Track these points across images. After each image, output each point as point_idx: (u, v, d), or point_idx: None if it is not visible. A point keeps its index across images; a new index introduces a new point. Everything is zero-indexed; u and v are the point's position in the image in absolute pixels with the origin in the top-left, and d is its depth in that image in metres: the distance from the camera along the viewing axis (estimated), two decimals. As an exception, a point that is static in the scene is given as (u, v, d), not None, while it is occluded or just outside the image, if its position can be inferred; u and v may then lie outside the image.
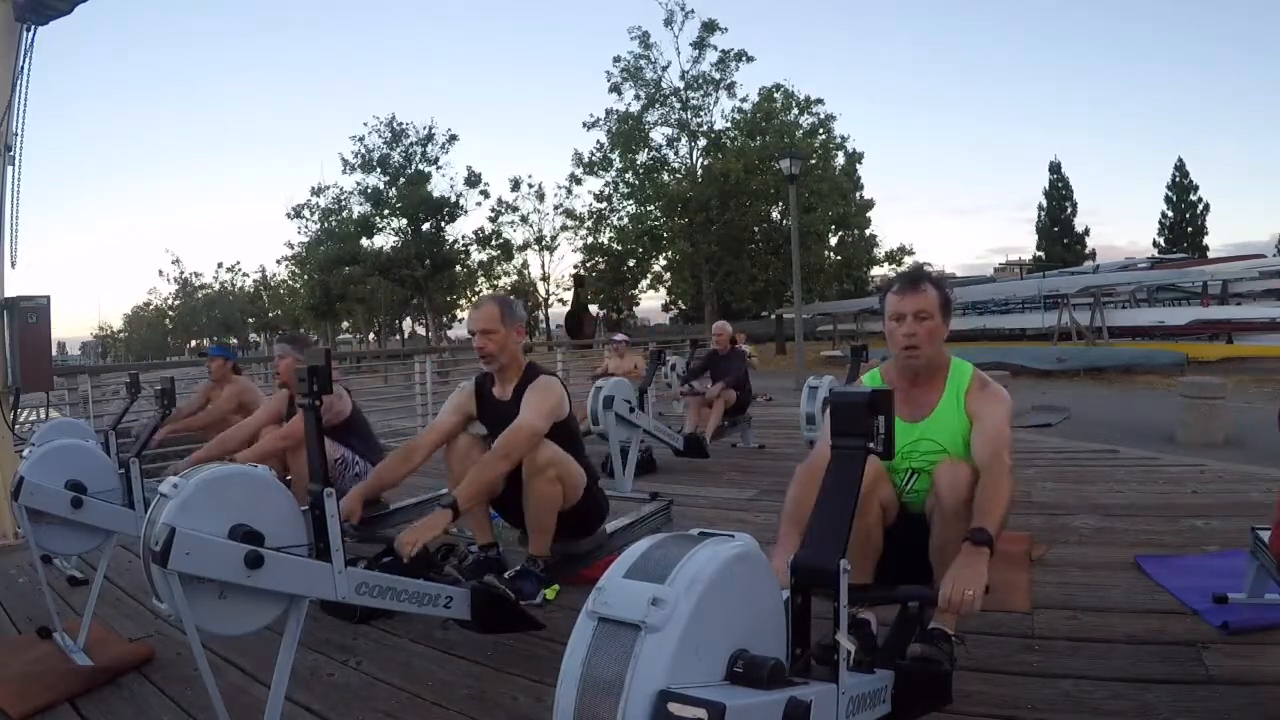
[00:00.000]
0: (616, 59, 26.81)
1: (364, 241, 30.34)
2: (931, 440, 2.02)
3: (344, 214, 30.62)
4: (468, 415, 2.75)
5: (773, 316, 29.99)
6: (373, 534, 2.93)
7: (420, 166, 29.89)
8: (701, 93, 26.70)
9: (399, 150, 29.87)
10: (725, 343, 6.58)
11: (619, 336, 8.20)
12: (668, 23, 26.11)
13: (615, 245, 29.17)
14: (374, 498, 2.98)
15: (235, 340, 53.05)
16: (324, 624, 2.65)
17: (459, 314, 33.71)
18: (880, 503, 2.03)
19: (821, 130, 27.51)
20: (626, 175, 27.97)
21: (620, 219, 28.72)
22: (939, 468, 1.96)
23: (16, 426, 4.56)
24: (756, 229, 27.11)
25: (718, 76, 26.50)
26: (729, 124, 27.15)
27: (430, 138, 29.99)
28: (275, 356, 3.78)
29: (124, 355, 60.00)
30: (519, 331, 2.67)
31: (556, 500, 2.53)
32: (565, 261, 41.93)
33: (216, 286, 53.51)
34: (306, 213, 31.54)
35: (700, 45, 26.05)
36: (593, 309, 33.59)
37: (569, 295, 33.78)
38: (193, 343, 58.08)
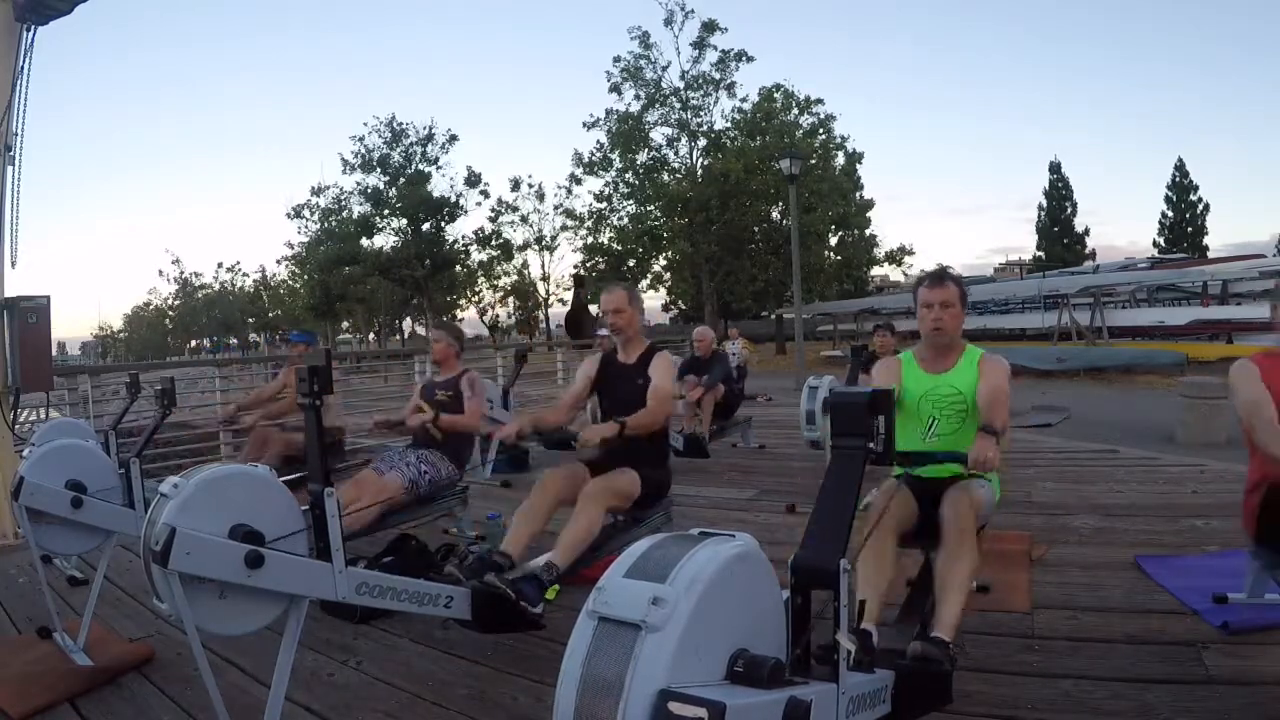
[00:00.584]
0: (616, 59, 26.80)
1: (364, 241, 30.33)
2: (950, 385, 2.51)
3: (344, 214, 30.61)
4: (590, 378, 3.18)
5: (773, 316, 29.98)
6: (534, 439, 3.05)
7: (420, 166, 29.88)
8: (701, 93, 26.66)
9: (399, 150, 29.86)
10: (706, 348, 6.53)
11: (603, 331, 7.99)
12: (668, 23, 26.10)
13: (615, 245, 29.14)
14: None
15: (235, 340, 53.10)
16: (324, 624, 2.66)
17: (459, 314, 33.74)
18: (898, 524, 2.30)
19: (821, 130, 27.47)
20: (626, 175, 27.94)
21: (620, 219, 28.69)
22: (946, 494, 2.29)
23: (16, 426, 4.56)
24: (756, 229, 27.07)
25: (718, 76, 26.47)
26: (729, 124, 27.12)
27: (430, 138, 30.00)
28: (431, 341, 4.19)
29: (124, 355, 60.01)
30: (641, 312, 3.29)
31: (598, 527, 2.66)
32: (565, 261, 42.02)
33: (216, 286, 53.48)
34: (306, 213, 31.56)
35: (700, 45, 26.02)
36: (593, 309, 33.56)
37: (569, 295, 33.80)
38: (193, 342, 58.11)
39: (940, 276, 2.54)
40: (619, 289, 3.20)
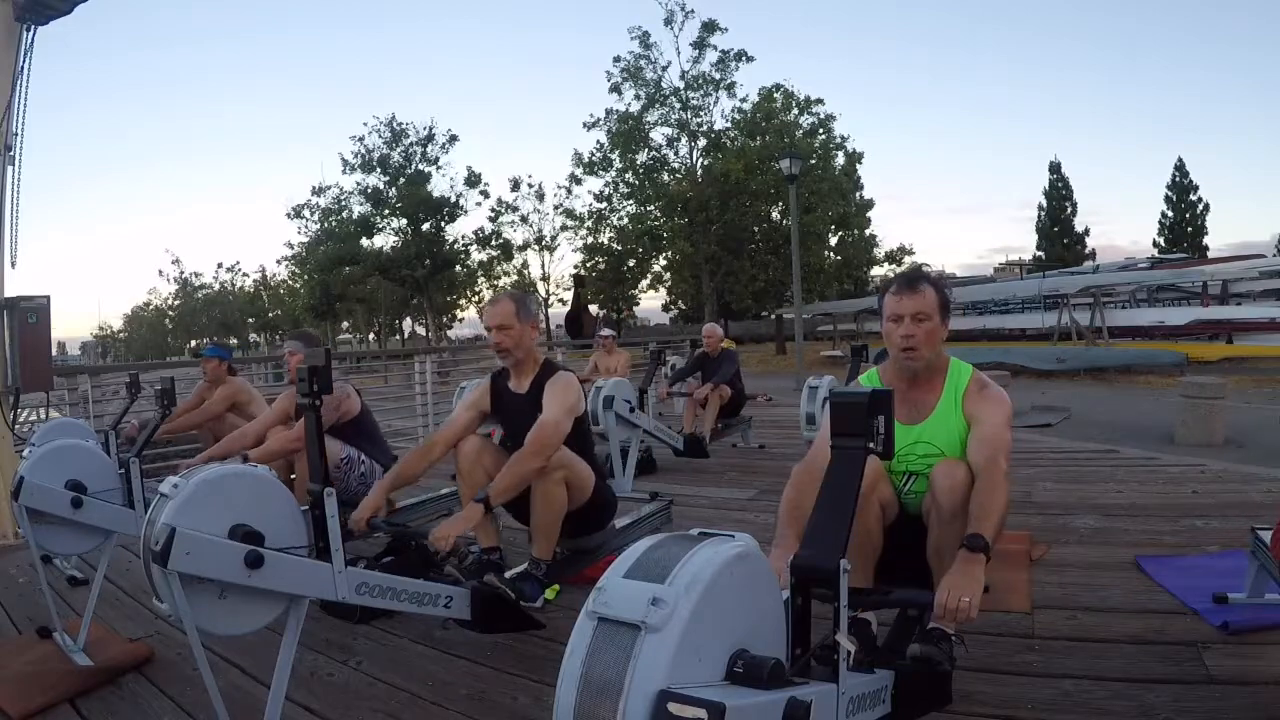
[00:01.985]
0: (617, 59, 26.83)
1: (364, 241, 30.34)
2: (928, 443, 2.00)
3: (344, 214, 30.62)
4: (482, 411, 2.79)
5: (773, 316, 30.00)
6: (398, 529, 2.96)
7: (420, 166, 29.90)
8: (701, 93, 26.68)
9: (399, 150, 29.88)
10: (715, 346, 6.56)
11: (606, 331, 8.01)
12: (668, 23, 26.13)
13: (615, 245, 29.17)
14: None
15: (235, 340, 53.05)
16: (324, 624, 2.65)
17: (459, 314, 33.74)
18: (880, 503, 2.02)
19: (821, 130, 27.47)
20: (626, 175, 27.95)
21: (620, 219, 28.72)
22: (936, 468, 1.95)
23: (16, 426, 4.56)
24: (756, 229, 27.07)
25: (718, 76, 26.49)
26: (729, 124, 27.14)
27: (430, 138, 30.02)
28: (286, 354, 3.79)
29: (124, 355, 59.95)
30: (534, 327, 2.73)
31: (563, 504, 2.55)
32: (565, 261, 42.04)
33: (216, 286, 53.50)
34: (306, 213, 31.56)
35: (700, 45, 26.04)
36: (593, 309, 33.59)
37: (569, 295, 33.81)
38: (192, 343, 58.08)
39: (912, 280, 2.00)
40: (504, 300, 2.69)
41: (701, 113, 27.02)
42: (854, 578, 1.62)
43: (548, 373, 2.69)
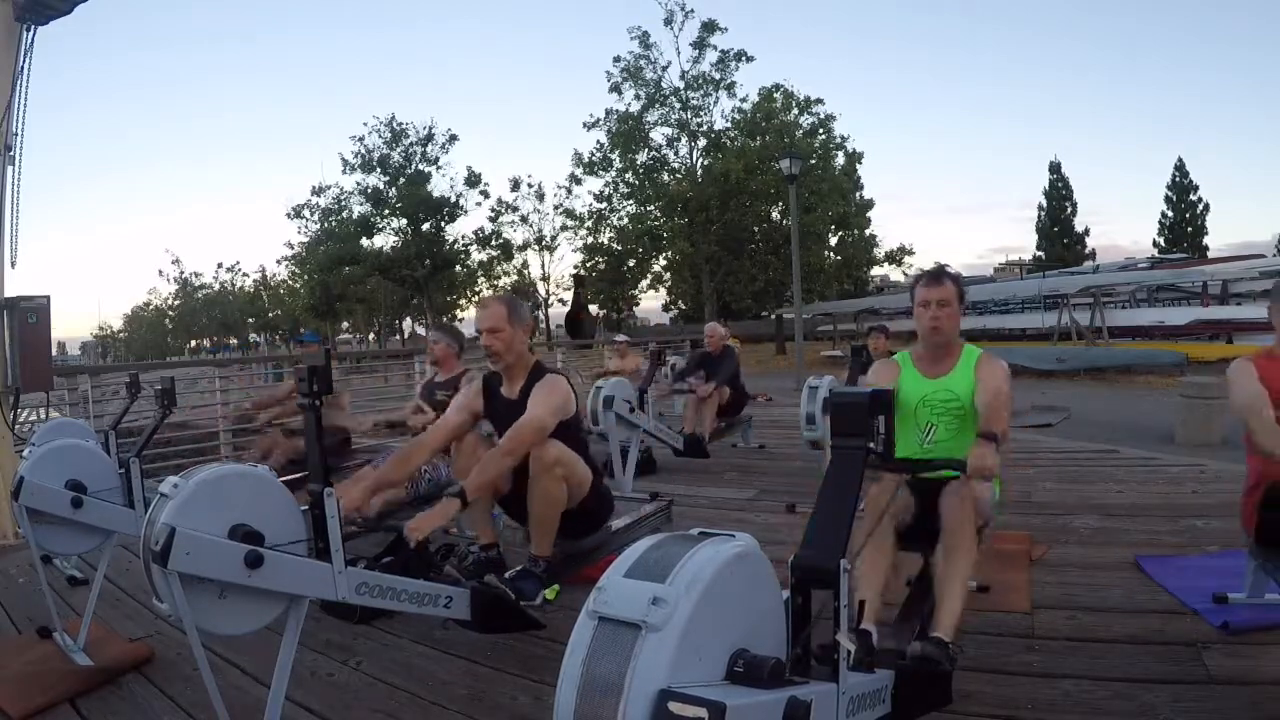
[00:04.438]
0: (616, 59, 26.81)
1: (364, 241, 30.33)
2: (949, 389, 2.46)
3: (344, 214, 30.62)
4: (475, 413, 2.75)
5: (773, 316, 29.98)
6: (378, 527, 2.93)
7: (420, 166, 29.89)
8: (701, 93, 26.66)
9: (399, 150, 29.86)
10: (717, 344, 6.58)
11: (620, 337, 8.32)
12: (668, 23, 26.11)
13: (615, 245, 29.15)
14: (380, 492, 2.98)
15: (235, 340, 53.06)
16: (324, 624, 2.65)
17: (459, 314, 33.70)
18: (897, 522, 2.28)
19: (821, 130, 27.44)
20: (626, 175, 27.93)
21: (620, 219, 28.70)
22: (944, 494, 2.24)
23: (16, 426, 4.56)
24: (756, 229, 27.07)
25: (718, 76, 26.47)
26: (729, 124, 27.13)
27: (430, 138, 30.02)
28: (429, 344, 4.08)
29: (124, 355, 59.92)
30: (525, 330, 2.70)
31: (561, 500, 2.53)
32: (565, 261, 41.96)
33: (216, 286, 53.47)
34: (306, 213, 31.55)
35: (700, 45, 26.02)
36: (593, 309, 33.59)
37: (569, 295, 33.80)
38: (192, 343, 58.06)
39: (938, 275, 2.50)
40: (495, 303, 2.67)
41: (701, 113, 27.02)
42: (874, 586, 2.07)
43: (537, 375, 2.67)
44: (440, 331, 4.15)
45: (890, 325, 8.12)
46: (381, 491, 2.97)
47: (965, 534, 2.14)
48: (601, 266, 30.18)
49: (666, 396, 6.87)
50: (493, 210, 31.29)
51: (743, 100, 26.82)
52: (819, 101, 27.47)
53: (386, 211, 30.00)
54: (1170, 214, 34.27)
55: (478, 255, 31.80)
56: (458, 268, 31.51)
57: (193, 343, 58.12)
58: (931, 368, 2.51)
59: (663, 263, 30.04)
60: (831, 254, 28.73)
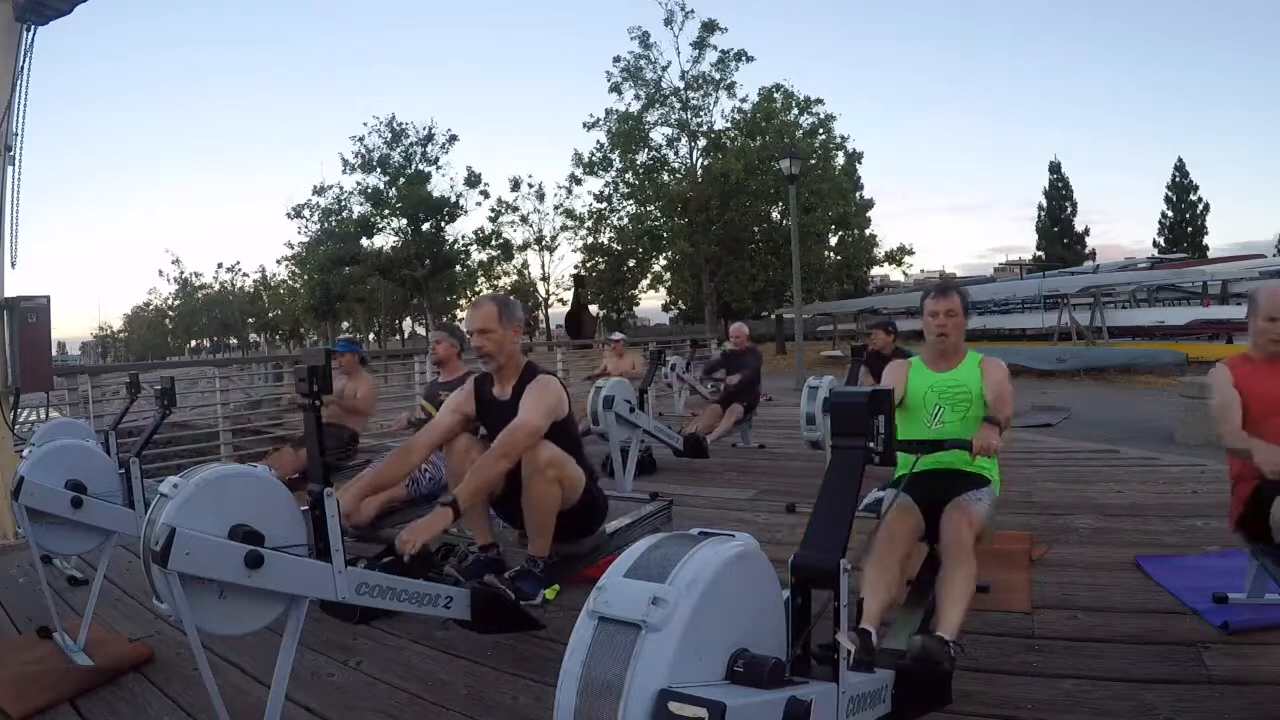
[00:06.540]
0: (616, 59, 26.77)
1: (364, 241, 30.30)
2: (955, 379, 2.71)
3: (344, 214, 30.57)
4: (466, 415, 2.73)
5: (773, 316, 29.97)
6: (370, 536, 2.92)
7: (420, 166, 29.84)
8: (701, 93, 26.63)
9: (399, 150, 29.83)
10: (743, 342, 6.97)
11: (617, 336, 8.33)
12: (668, 23, 26.06)
13: (615, 245, 29.13)
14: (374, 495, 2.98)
15: (235, 340, 53.05)
16: (324, 624, 2.65)
17: (459, 314, 33.67)
18: (912, 544, 2.38)
19: (821, 130, 27.41)
20: (626, 175, 27.89)
21: (620, 219, 28.67)
22: (945, 514, 2.37)
23: (16, 426, 4.56)
24: (756, 229, 27.04)
25: (718, 76, 26.43)
26: (729, 124, 27.09)
27: (430, 138, 29.97)
28: (432, 343, 4.11)
29: (124, 355, 59.93)
30: (517, 331, 2.68)
31: (556, 501, 2.52)
32: (565, 261, 41.89)
33: (216, 287, 53.40)
34: (306, 213, 31.49)
35: (700, 45, 25.98)
36: (593, 309, 33.57)
37: (569, 295, 33.77)
38: (193, 343, 58.05)
39: (945, 289, 2.83)
40: (486, 303, 2.66)
41: (701, 113, 26.99)
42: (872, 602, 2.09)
43: (528, 377, 2.64)
44: (443, 330, 4.17)
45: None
46: (376, 494, 2.97)
47: (964, 555, 2.23)
48: (601, 266, 30.16)
49: (691, 387, 7.41)
50: (493, 210, 31.29)
51: (743, 100, 26.82)
52: (819, 102, 27.46)
53: (386, 211, 29.97)
54: (1170, 214, 34.24)
55: (478, 255, 31.78)
56: (458, 268, 31.48)
57: (192, 343, 58.11)
58: (939, 364, 2.79)
59: (663, 263, 30.02)
60: (831, 254, 28.72)
